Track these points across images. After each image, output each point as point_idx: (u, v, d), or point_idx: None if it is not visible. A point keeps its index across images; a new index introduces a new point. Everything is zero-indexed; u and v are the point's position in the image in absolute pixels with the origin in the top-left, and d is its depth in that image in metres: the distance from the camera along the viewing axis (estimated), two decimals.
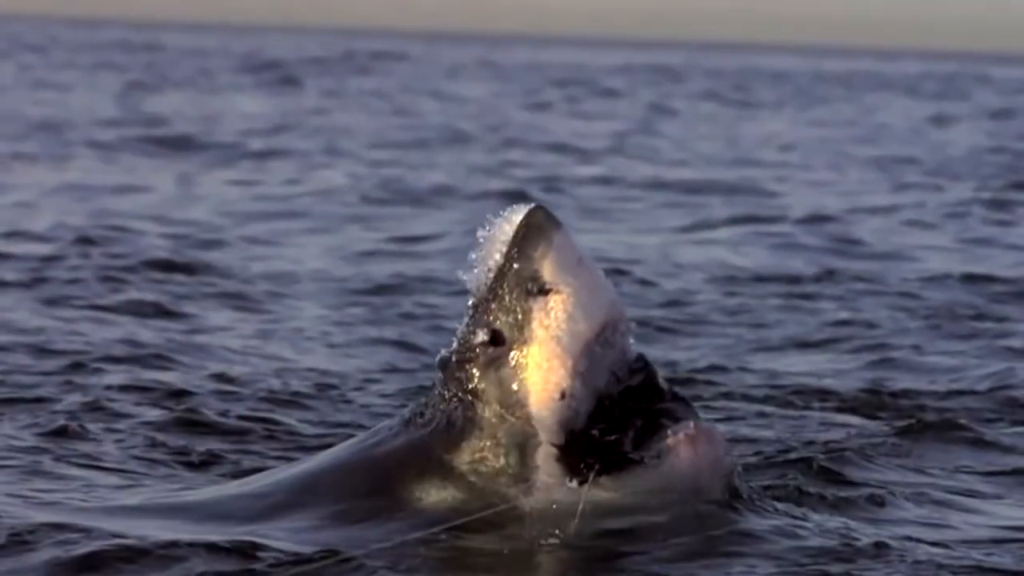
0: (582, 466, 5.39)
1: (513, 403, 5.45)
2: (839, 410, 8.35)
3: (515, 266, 5.46)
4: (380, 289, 12.29)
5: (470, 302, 5.55)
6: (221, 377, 8.88)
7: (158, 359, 9.30)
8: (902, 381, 9.32)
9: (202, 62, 66.19)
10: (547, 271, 5.44)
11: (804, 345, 10.48)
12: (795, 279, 13.19)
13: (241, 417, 7.74)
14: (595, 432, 5.42)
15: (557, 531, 5.42)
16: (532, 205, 5.53)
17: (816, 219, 17.48)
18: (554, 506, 5.43)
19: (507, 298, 5.48)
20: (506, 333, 5.47)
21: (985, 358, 9.97)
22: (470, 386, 5.50)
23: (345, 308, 11.49)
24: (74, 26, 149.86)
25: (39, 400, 8.01)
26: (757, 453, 6.96)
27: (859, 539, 5.68)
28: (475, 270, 5.55)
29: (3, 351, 9.33)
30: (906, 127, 38.48)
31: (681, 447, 5.42)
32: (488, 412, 5.48)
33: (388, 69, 66.55)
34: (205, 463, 6.85)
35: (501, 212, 5.58)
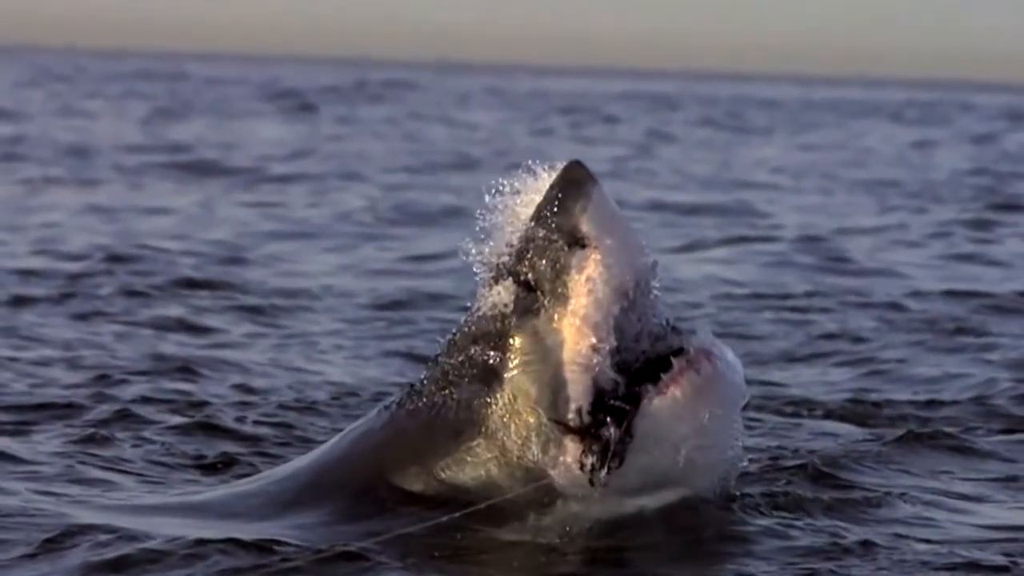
0: (607, 418, 5.27)
1: (544, 354, 5.33)
2: (828, 419, 8.35)
3: (553, 220, 5.35)
4: (393, 304, 12.29)
5: (492, 261, 5.45)
6: (241, 387, 8.88)
7: (182, 371, 9.30)
8: (889, 392, 9.31)
9: (222, 91, 66.21)
10: (586, 225, 5.34)
11: (795, 359, 10.47)
12: (787, 295, 13.19)
13: (259, 423, 7.73)
14: (619, 383, 5.32)
15: (584, 495, 5.32)
16: (570, 160, 5.43)
17: (807, 238, 17.47)
18: (582, 463, 5.31)
19: (545, 250, 5.36)
20: (542, 285, 5.35)
21: (968, 369, 9.96)
22: (497, 341, 5.37)
23: (359, 322, 11.49)
24: (100, 57, 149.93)
25: (69, 407, 8.03)
26: (751, 460, 6.95)
27: (848, 538, 5.70)
28: (499, 230, 5.45)
29: (35, 364, 9.33)
30: (891, 151, 38.48)
31: (683, 373, 5.34)
32: (516, 365, 5.36)
33: (399, 97, 66.57)
34: (225, 466, 6.85)
35: (530, 171, 5.49)
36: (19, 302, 11.63)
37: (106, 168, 25.28)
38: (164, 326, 10.94)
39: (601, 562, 5.39)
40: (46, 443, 7.11)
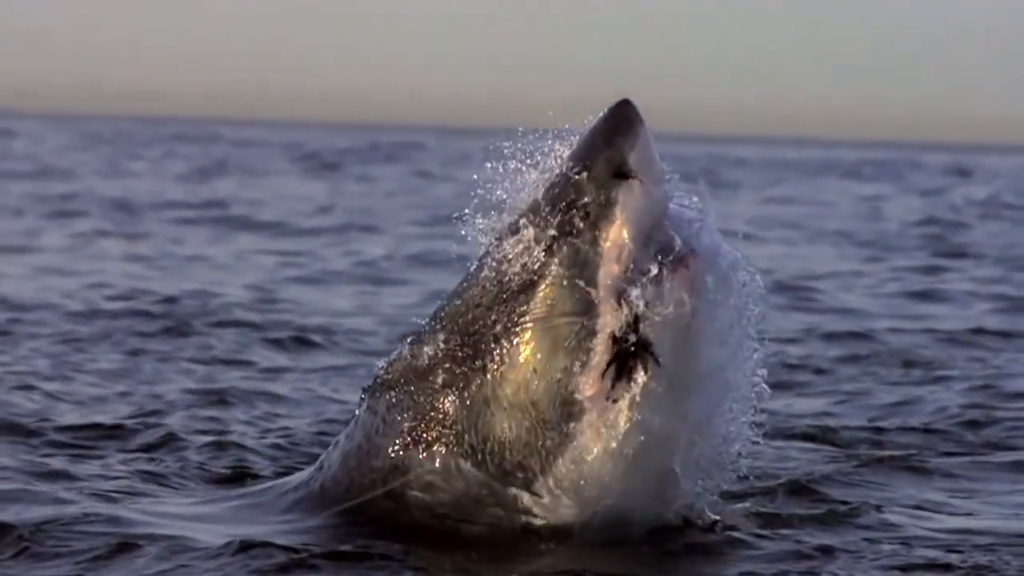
0: (629, 331, 5.21)
1: (582, 268, 5.26)
2: (794, 441, 8.33)
3: (604, 151, 5.30)
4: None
5: (524, 198, 5.40)
6: (268, 414, 8.89)
7: (217, 399, 9.31)
8: (850, 417, 9.30)
9: (251, 152, 66.29)
10: (633, 159, 5.29)
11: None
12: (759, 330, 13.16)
13: (280, 447, 7.71)
14: (639, 306, 5.24)
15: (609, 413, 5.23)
16: (621, 99, 5.36)
17: (775, 282, 17.49)
18: (606, 376, 5.23)
19: (594, 177, 5.30)
20: (589, 208, 5.28)
21: (921, 396, 9.95)
22: (545, 243, 5.29)
23: (377, 355, 11.48)
24: (141, 122, 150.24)
25: (120, 429, 8.04)
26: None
27: (822, 543, 5.70)
28: (546, 164, 5.41)
29: (89, 394, 9.33)
30: (848, 205, 38.50)
31: (674, 272, 5.29)
32: (552, 278, 5.28)
33: (409, 157, 66.64)
34: (252, 480, 6.83)
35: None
36: (73, 339, 11.64)
37: (148, 221, 25.30)
38: (201, 360, 10.95)
39: (585, 573, 5.33)
40: (99, 462, 7.11)
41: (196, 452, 7.41)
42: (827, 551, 5.63)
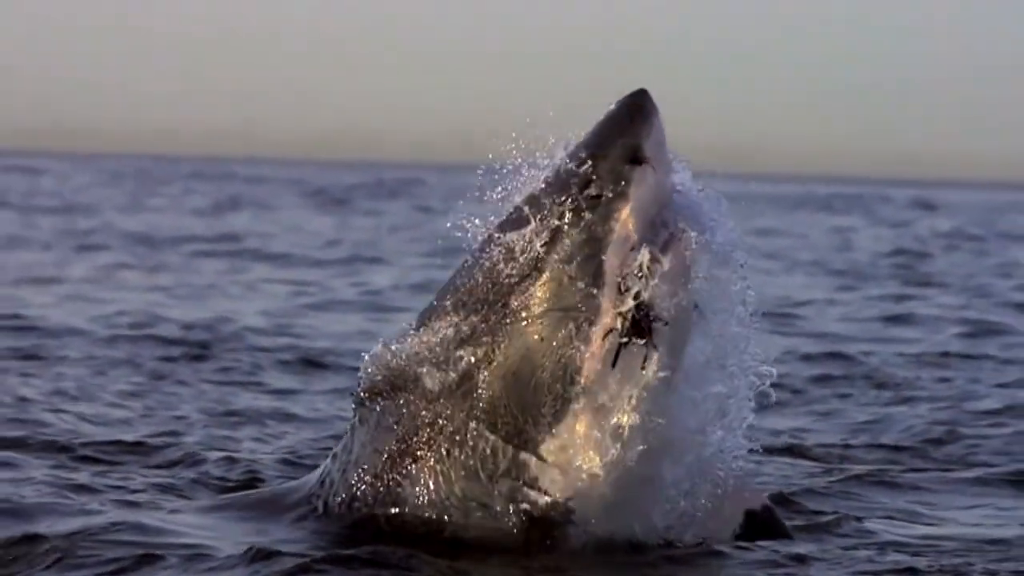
0: (633, 307, 5.17)
1: (590, 244, 5.20)
2: (773, 456, 8.33)
3: (620, 137, 5.25)
4: None
5: (554, 168, 5.31)
6: (279, 432, 8.89)
7: (233, 416, 9.32)
8: (826, 435, 9.31)
9: (264, 189, 66.30)
10: (647, 146, 5.24)
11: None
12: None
13: (288, 461, 7.71)
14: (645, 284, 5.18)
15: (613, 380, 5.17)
16: (637, 88, 5.31)
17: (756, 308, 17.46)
18: (613, 335, 5.18)
19: (609, 160, 5.24)
20: (604, 188, 5.23)
21: (894, 415, 9.97)
22: (552, 225, 5.23)
23: None
24: (159, 161, 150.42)
25: (140, 445, 8.04)
26: None
27: (806, 550, 5.69)
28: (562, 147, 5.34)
29: (117, 418, 9.34)
30: (822, 236, 38.53)
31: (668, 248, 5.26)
32: (562, 256, 5.22)
33: (411, 193, 66.66)
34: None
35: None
36: (97, 363, 11.63)
37: (167, 253, 25.29)
38: (216, 381, 10.96)
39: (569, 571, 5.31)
40: (123, 476, 7.11)
41: (212, 466, 7.41)
42: (802, 559, 5.62)
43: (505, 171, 5.50)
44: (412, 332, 5.45)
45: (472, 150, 5.58)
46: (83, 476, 6.98)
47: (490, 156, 5.52)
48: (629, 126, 5.24)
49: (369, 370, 5.45)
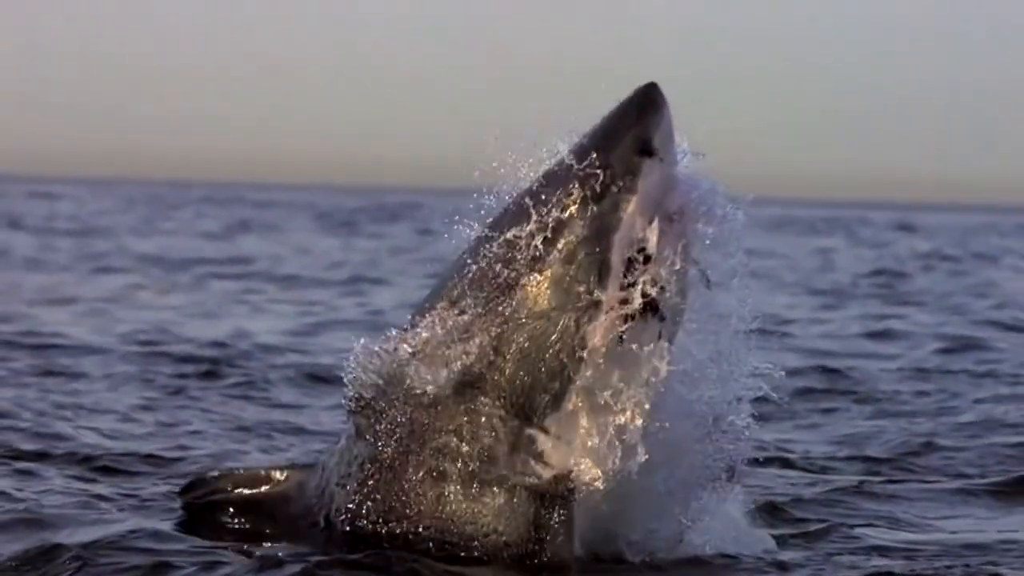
0: (637, 288, 5.15)
1: (597, 233, 5.16)
2: (759, 467, 8.31)
3: (633, 129, 5.19)
4: None
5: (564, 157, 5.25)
6: (287, 443, 8.89)
7: (243, 430, 9.32)
8: (810, 445, 9.30)
9: (273, 212, 66.35)
10: (657, 139, 5.19)
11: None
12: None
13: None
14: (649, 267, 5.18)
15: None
16: (648, 82, 5.24)
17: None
18: (617, 315, 5.15)
19: (619, 151, 5.18)
20: (613, 179, 5.18)
21: (876, 427, 9.97)
22: (559, 215, 5.18)
23: None
24: (172, 186, 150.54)
25: (154, 458, 8.04)
26: None
27: (799, 555, 5.70)
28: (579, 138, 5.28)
29: (132, 433, 9.33)
30: (805, 257, 38.56)
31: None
32: (569, 240, 5.18)
33: (412, 216, 66.71)
34: None
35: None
36: (114, 380, 11.63)
37: (180, 275, 25.29)
38: (227, 395, 10.96)
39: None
40: (139, 487, 7.11)
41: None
42: (785, 567, 5.62)
43: (500, 191, 5.46)
44: (408, 330, 5.39)
45: (469, 174, 5.54)
46: (101, 487, 6.98)
47: (495, 164, 5.48)
48: (639, 119, 5.19)
49: (361, 375, 5.41)
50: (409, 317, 5.47)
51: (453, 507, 5.29)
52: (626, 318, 5.15)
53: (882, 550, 6.05)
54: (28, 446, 8.24)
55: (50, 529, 5.82)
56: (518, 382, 5.19)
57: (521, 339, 5.18)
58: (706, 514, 5.56)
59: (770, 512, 6.61)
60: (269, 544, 5.60)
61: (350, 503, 5.43)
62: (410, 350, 5.32)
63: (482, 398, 5.22)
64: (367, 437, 5.40)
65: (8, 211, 52.75)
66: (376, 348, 5.42)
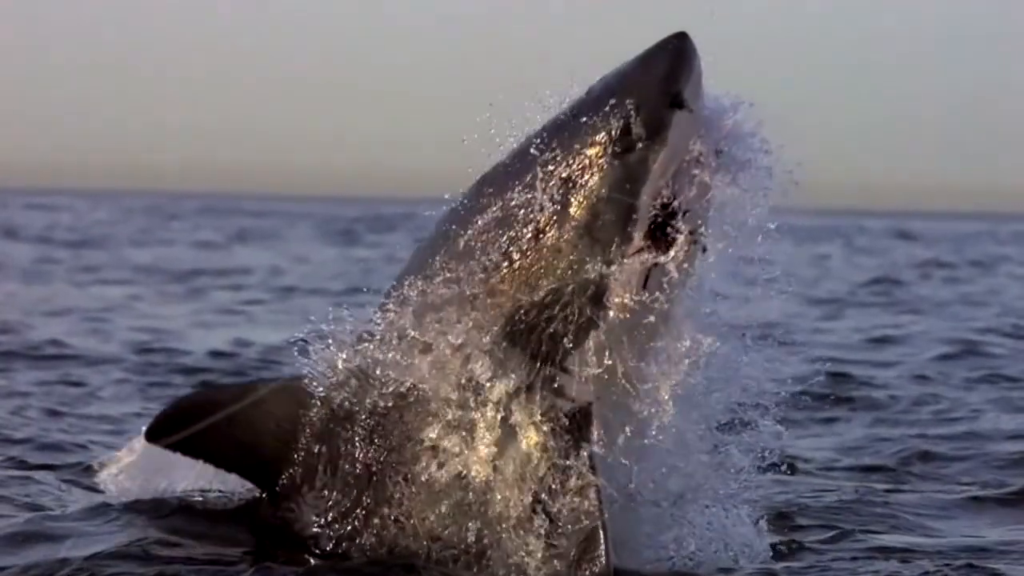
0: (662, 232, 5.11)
1: (624, 185, 5.08)
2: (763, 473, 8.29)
3: (664, 81, 5.07)
4: None
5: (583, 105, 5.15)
6: None
7: None
8: (812, 451, 9.29)
9: (270, 223, 66.38)
10: (688, 91, 5.07)
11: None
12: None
13: None
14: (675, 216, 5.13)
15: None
16: (679, 31, 5.13)
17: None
18: (636, 275, 5.11)
19: (649, 104, 5.07)
20: (642, 131, 5.07)
21: (875, 434, 9.96)
22: (584, 168, 5.09)
23: None
24: (170, 197, 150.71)
25: None
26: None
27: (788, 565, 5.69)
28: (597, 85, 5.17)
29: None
30: (805, 265, 38.59)
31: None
32: (600, 194, 5.09)
33: (407, 225, 66.70)
34: None
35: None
36: (115, 388, 11.63)
37: (178, 284, 25.29)
38: None
39: None
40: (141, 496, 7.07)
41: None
42: (790, 572, 5.63)
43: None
44: (403, 297, 5.38)
45: (451, 188, 5.49)
46: (102, 496, 6.92)
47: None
48: (670, 70, 5.07)
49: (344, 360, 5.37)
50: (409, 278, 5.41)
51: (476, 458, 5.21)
52: (650, 268, 5.09)
53: (884, 558, 6.05)
54: (29, 457, 8.22)
55: (54, 540, 5.80)
56: (539, 330, 5.10)
57: (542, 288, 5.10)
58: (711, 520, 5.56)
59: (771, 520, 6.60)
60: (274, 550, 5.58)
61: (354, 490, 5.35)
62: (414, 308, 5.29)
63: (500, 347, 5.13)
64: (359, 415, 5.32)
65: (6, 222, 52.76)
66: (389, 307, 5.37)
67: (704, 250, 5.18)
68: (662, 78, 5.06)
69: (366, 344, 5.39)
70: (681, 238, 5.10)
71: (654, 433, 5.20)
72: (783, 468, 8.42)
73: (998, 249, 55.36)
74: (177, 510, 6.58)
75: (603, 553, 5.04)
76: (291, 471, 5.47)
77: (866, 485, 7.86)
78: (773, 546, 6.00)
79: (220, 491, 6.58)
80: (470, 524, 5.20)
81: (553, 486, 5.13)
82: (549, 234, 5.09)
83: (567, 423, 5.14)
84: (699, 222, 5.13)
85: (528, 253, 5.11)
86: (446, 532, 5.24)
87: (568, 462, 5.13)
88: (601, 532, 5.05)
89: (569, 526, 5.10)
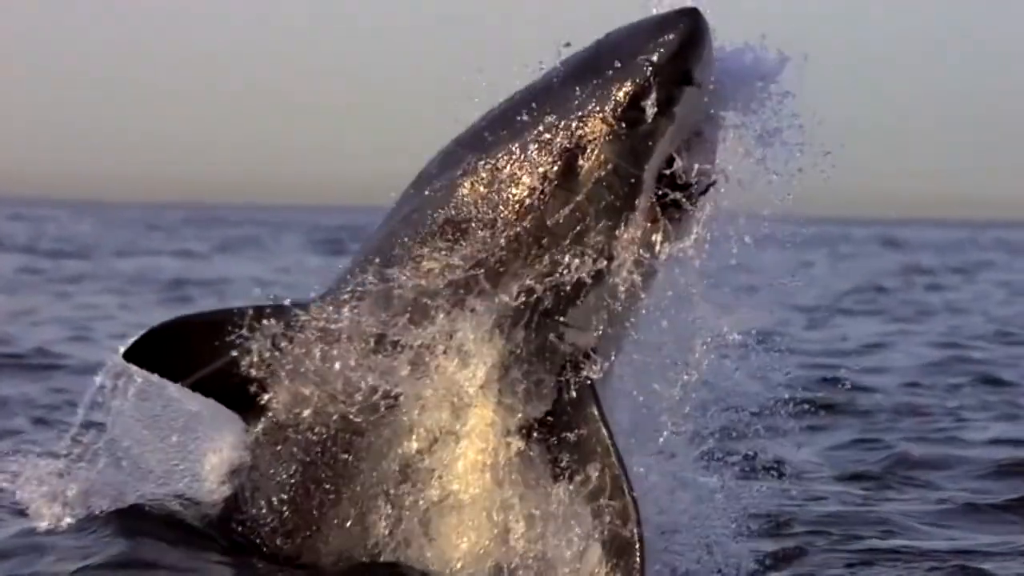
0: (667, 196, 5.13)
1: (633, 162, 5.07)
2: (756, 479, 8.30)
3: (676, 58, 5.03)
4: None
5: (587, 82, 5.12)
6: None
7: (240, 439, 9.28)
8: (805, 455, 9.31)
9: (255, 232, 66.31)
10: (698, 69, 5.04)
11: None
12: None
13: None
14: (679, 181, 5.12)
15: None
16: (690, 7, 5.09)
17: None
18: (640, 244, 5.12)
19: (660, 79, 5.02)
20: (650, 107, 5.04)
21: (867, 439, 9.98)
22: (593, 140, 5.07)
23: None
24: (156, 208, 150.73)
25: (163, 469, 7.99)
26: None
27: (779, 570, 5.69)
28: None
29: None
30: (791, 273, 38.57)
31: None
32: (605, 166, 5.07)
33: None
34: None
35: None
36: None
37: (162, 294, 25.25)
38: (217, 415, 10.88)
39: None
40: (140, 498, 7.05)
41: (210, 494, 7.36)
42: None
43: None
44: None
45: None
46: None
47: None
48: (681, 48, 5.03)
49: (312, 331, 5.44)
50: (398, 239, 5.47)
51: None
52: (652, 238, 5.10)
53: (874, 562, 6.06)
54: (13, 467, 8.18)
55: (56, 548, 5.79)
56: (539, 288, 5.10)
57: (543, 258, 5.10)
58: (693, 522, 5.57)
59: (759, 525, 6.61)
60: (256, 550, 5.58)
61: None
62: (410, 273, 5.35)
63: (503, 297, 5.12)
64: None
65: None
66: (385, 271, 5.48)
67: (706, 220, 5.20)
68: (673, 55, 5.03)
69: (355, 301, 5.48)
70: (687, 212, 5.12)
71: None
72: (771, 474, 8.50)
73: (980, 255, 55.50)
74: (159, 519, 6.59)
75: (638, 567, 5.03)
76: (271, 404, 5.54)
77: (853, 491, 7.88)
78: (761, 552, 6.01)
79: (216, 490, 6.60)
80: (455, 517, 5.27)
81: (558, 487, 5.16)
82: (549, 204, 5.08)
83: (569, 398, 5.17)
84: (704, 194, 5.13)
85: (527, 222, 5.09)
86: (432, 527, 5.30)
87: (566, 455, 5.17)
88: (637, 546, 5.06)
89: (602, 536, 5.10)
